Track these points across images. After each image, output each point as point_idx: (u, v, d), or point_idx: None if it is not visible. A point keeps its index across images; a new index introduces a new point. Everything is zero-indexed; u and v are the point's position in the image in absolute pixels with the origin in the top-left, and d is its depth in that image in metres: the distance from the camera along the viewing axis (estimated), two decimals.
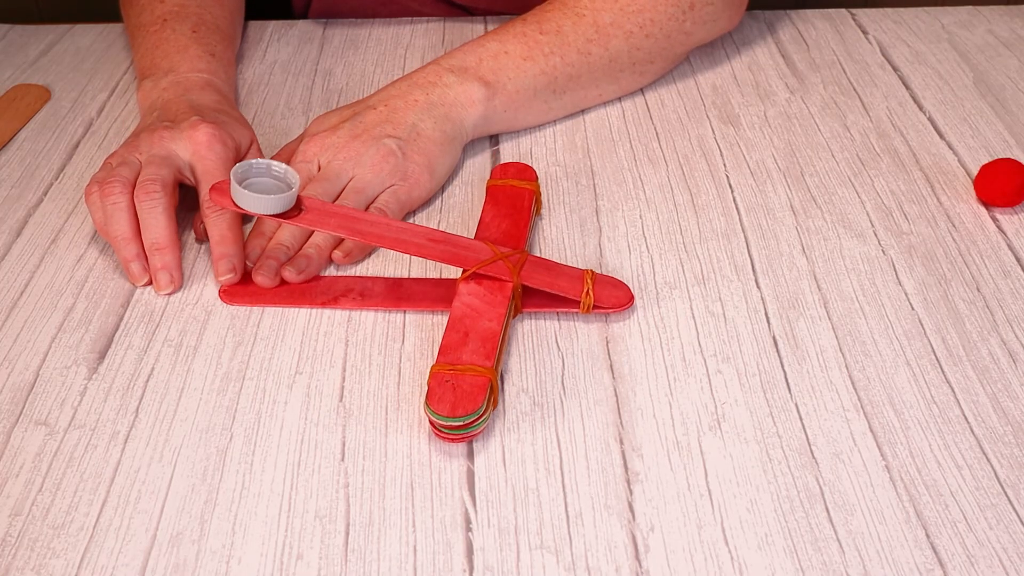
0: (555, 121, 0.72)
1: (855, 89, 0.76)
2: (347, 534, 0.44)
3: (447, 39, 0.84)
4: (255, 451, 0.48)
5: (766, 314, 0.55)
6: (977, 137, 0.70)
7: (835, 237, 0.60)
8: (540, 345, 0.53)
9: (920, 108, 0.73)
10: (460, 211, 0.64)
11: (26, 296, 0.58)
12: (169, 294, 0.57)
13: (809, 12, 0.87)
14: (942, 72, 0.78)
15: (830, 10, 0.87)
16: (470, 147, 0.70)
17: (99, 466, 0.47)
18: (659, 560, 0.43)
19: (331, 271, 0.59)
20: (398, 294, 0.57)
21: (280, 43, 0.85)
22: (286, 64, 0.81)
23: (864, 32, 0.84)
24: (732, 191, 0.65)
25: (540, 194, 0.63)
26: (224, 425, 0.49)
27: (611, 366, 0.52)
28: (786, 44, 0.82)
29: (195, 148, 0.61)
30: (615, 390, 0.51)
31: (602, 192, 0.65)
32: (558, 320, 0.55)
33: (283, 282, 0.58)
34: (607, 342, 0.53)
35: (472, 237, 0.58)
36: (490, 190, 0.62)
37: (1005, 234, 0.61)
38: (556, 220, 0.63)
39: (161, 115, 0.64)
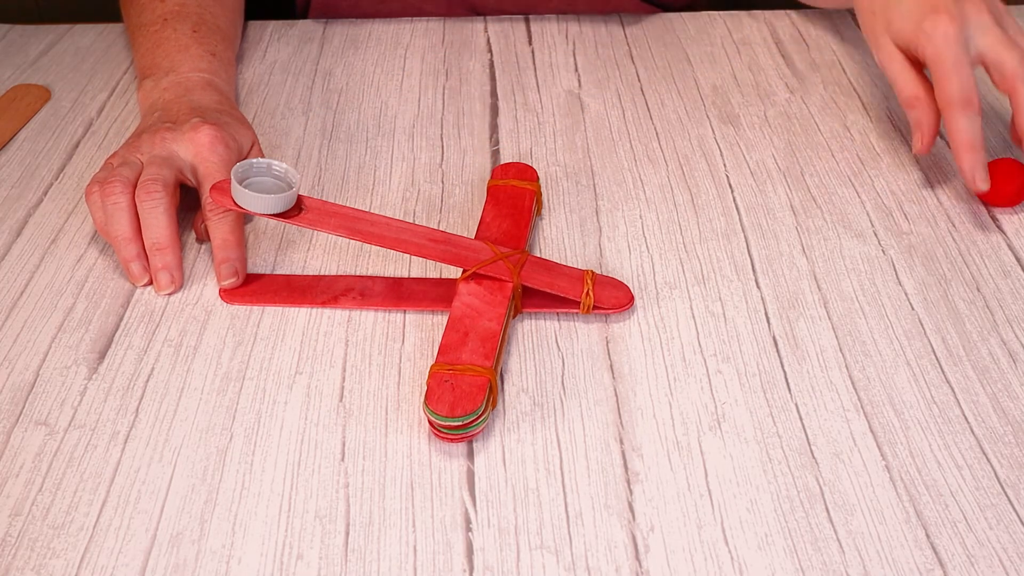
0: (555, 121, 0.72)
1: (855, 89, 0.76)
2: (347, 534, 0.44)
3: (447, 39, 0.84)
4: (255, 451, 0.48)
5: (766, 314, 0.55)
6: None
7: (835, 237, 0.60)
8: (540, 345, 0.53)
9: None
10: (460, 211, 0.64)
11: (26, 296, 0.58)
12: (169, 294, 0.57)
13: (809, 12, 0.87)
14: None
15: (830, 10, 0.87)
16: (470, 147, 0.70)
17: (99, 466, 0.47)
18: (659, 560, 0.43)
19: (332, 270, 0.59)
20: (398, 294, 0.57)
21: (280, 43, 0.85)
22: (286, 64, 0.81)
23: None
24: (732, 191, 0.65)
25: (541, 194, 0.63)
26: (224, 425, 0.49)
27: (611, 366, 0.52)
28: (786, 44, 0.82)
29: (197, 149, 0.60)
30: (615, 390, 0.51)
31: (602, 192, 0.65)
32: (558, 320, 0.55)
33: (280, 276, 0.57)
34: (607, 342, 0.53)
35: (472, 237, 0.58)
36: (491, 190, 0.62)
37: (1005, 234, 0.61)
38: (556, 220, 0.63)
39: (162, 116, 0.64)
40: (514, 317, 0.55)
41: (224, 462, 0.47)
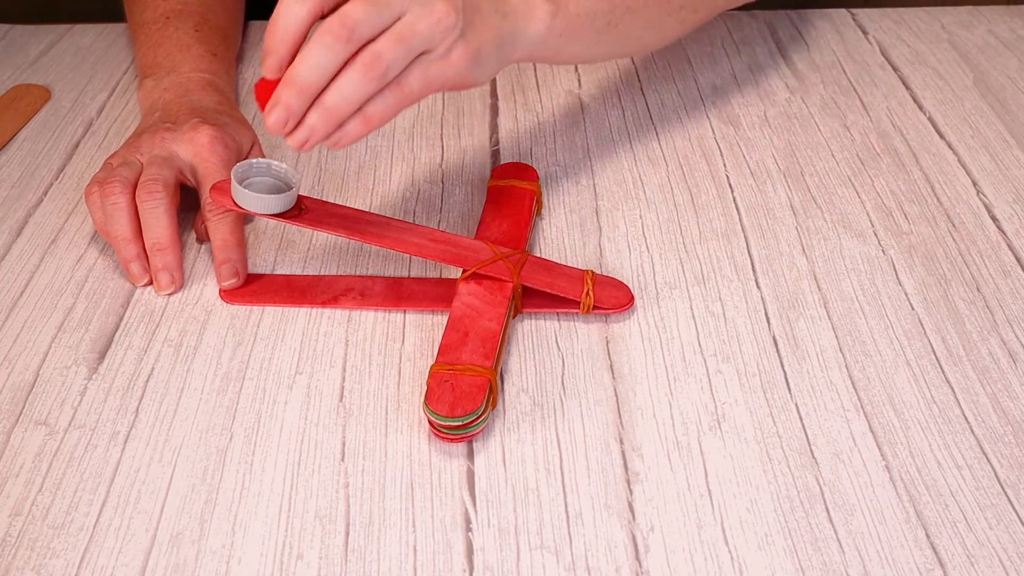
0: (555, 121, 0.72)
1: (855, 89, 0.76)
2: (347, 534, 0.44)
3: None
4: (255, 451, 0.48)
5: (766, 314, 0.55)
6: (977, 137, 0.70)
7: (835, 237, 0.60)
8: (540, 345, 0.53)
9: (920, 108, 0.73)
10: (460, 211, 0.64)
11: (26, 296, 0.58)
12: (170, 294, 0.57)
13: (809, 12, 0.87)
14: (942, 72, 0.78)
15: (830, 10, 0.87)
16: (470, 147, 0.70)
17: (99, 466, 0.47)
18: (659, 560, 0.43)
19: (332, 270, 0.59)
20: (398, 293, 0.57)
21: None
22: None
23: (864, 32, 0.84)
24: (732, 191, 0.65)
25: (541, 194, 0.63)
26: (224, 425, 0.49)
27: (611, 366, 0.52)
28: (786, 44, 0.82)
29: (196, 150, 0.60)
30: (615, 390, 0.51)
31: (602, 192, 0.65)
32: (558, 320, 0.55)
33: (280, 276, 0.57)
34: (607, 342, 0.53)
35: (472, 237, 0.58)
36: (491, 190, 0.62)
37: (1005, 234, 0.61)
38: (556, 220, 0.63)
39: (162, 116, 0.64)
40: (514, 317, 0.55)
41: (224, 462, 0.47)
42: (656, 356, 0.52)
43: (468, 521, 0.45)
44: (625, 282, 0.57)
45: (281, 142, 0.71)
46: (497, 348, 0.50)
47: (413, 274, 0.59)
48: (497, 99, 0.75)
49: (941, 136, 0.70)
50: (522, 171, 0.63)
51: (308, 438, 0.49)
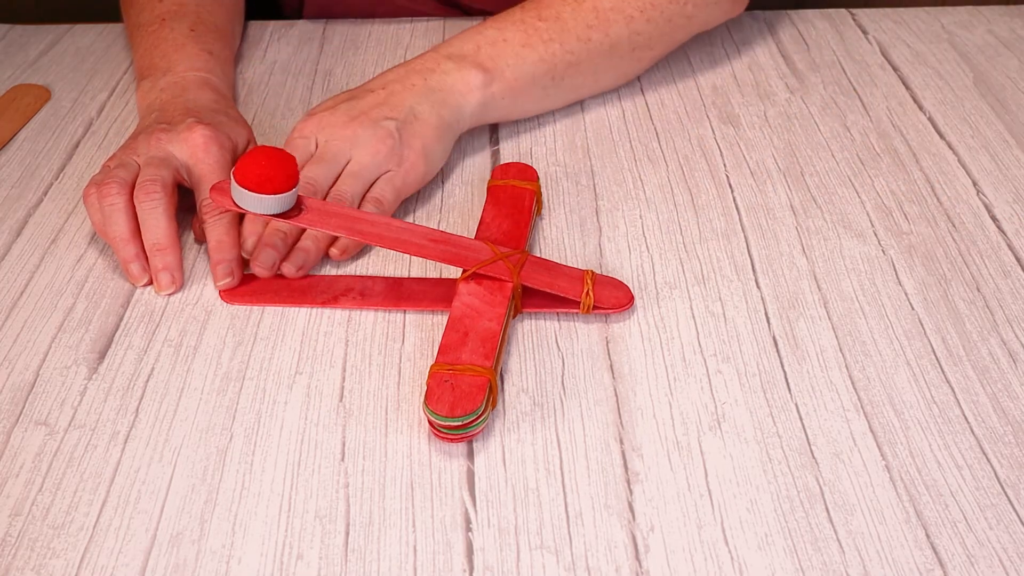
0: (555, 121, 0.72)
1: (855, 89, 0.76)
2: (347, 534, 0.44)
3: (447, 39, 0.84)
4: (255, 451, 0.48)
5: (766, 314, 0.55)
6: (977, 137, 0.70)
7: (835, 237, 0.60)
8: (540, 345, 0.53)
9: (920, 108, 0.73)
10: (460, 211, 0.64)
11: (26, 296, 0.58)
12: (170, 294, 0.57)
13: (809, 12, 0.87)
14: (942, 72, 0.78)
15: (830, 10, 0.87)
16: (470, 147, 0.70)
17: (99, 466, 0.47)
18: (659, 560, 0.43)
19: (328, 269, 0.59)
20: (398, 294, 0.57)
21: (280, 43, 0.85)
22: (286, 64, 0.81)
23: (864, 32, 0.84)
24: (732, 191, 0.65)
25: (541, 194, 0.63)
26: (224, 425, 0.49)
27: (611, 366, 0.52)
28: (786, 44, 0.82)
29: (191, 151, 0.61)
30: (615, 390, 0.51)
31: (602, 192, 0.65)
32: (558, 320, 0.55)
33: (280, 276, 0.58)
34: (607, 342, 0.53)
35: (472, 237, 0.58)
36: (491, 190, 0.62)
37: (1005, 234, 0.61)
38: (556, 220, 0.63)
39: (159, 117, 0.64)
40: (514, 317, 0.55)
41: (224, 462, 0.47)
42: (656, 356, 0.52)
43: (468, 521, 0.45)
44: (625, 282, 0.57)
45: (280, 142, 0.71)
46: (497, 348, 0.50)
47: (413, 274, 0.59)
48: None
49: (941, 136, 0.70)
50: (522, 171, 0.63)
51: (308, 438, 0.49)
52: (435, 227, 0.62)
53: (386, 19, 0.88)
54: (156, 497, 0.46)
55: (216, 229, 0.58)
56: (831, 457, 0.47)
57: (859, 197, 0.64)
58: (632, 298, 0.55)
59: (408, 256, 0.60)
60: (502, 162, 0.67)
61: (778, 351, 0.53)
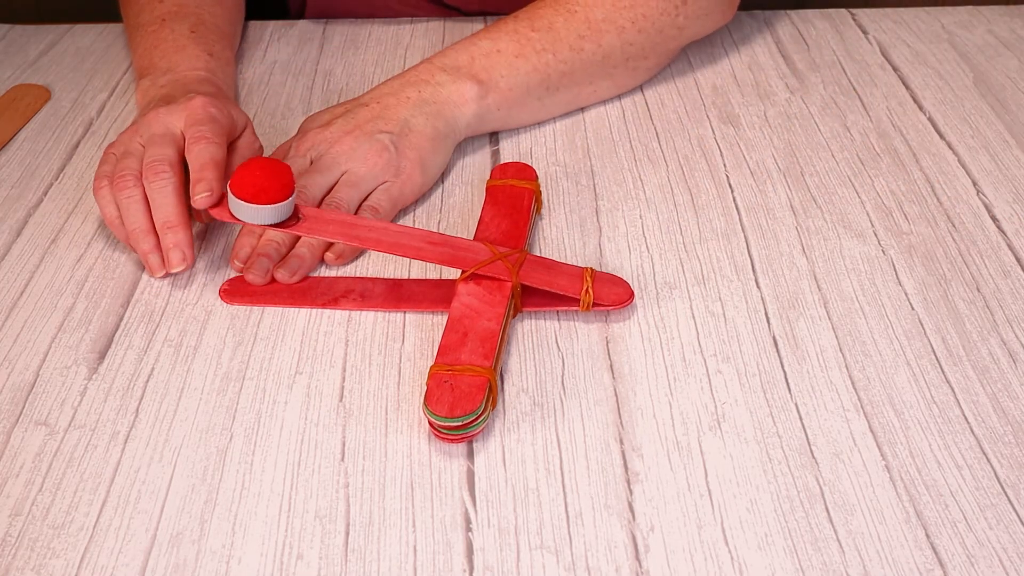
0: (555, 120, 0.72)
1: (855, 89, 0.76)
2: (347, 534, 0.44)
3: (447, 39, 0.84)
4: (255, 451, 0.48)
5: (766, 314, 0.55)
6: (977, 137, 0.70)
7: (835, 237, 0.60)
8: (540, 345, 0.53)
9: (920, 108, 0.73)
10: (460, 211, 0.64)
11: (26, 296, 0.58)
12: (181, 271, 0.57)
13: (809, 12, 0.87)
14: (942, 72, 0.78)
15: (830, 10, 0.87)
16: (470, 147, 0.70)
17: (99, 466, 0.47)
18: (659, 560, 0.43)
19: (324, 271, 0.59)
20: (398, 295, 0.57)
21: (280, 43, 0.85)
22: (286, 64, 0.81)
23: (864, 32, 0.84)
24: (732, 191, 0.65)
25: (540, 193, 0.63)
26: (224, 425, 0.49)
27: (611, 366, 0.52)
28: (786, 44, 0.82)
29: (190, 114, 0.60)
30: (615, 390, 0.51)
31: (602, 192, 0.65)
32: (558, 320, 0.55)
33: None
34: (607, 342, 0.53)
35: (472, 237, 0.58)
36: (490, 190, 0.62)
37: (1005, 234, 0.61)
38: (556, 220, 0.63)
39: (158, 103, 0.64)
40: (514, 317, 0.55)
41: (224, 462, 0.47)
42: (656, 356, 0.52)
43: (468, 521, 0.45)
44: (625, 279, 0.57)
45: (280, 141, 0.71)
46: (496, 348, 0.50)
47: (413, 275, 0.59)
48: None
49: (941, 136, 0.70)
50: (521, 171, 0.63)
51: (308, 438, 0.49)
52: (435, 227, 0.62)
53: (386, 19, 0.88)
54: (156, 497, 0.46)
55: (202, 154, 0.57)
56: (831, 457, 0.47)
57: (859, 197, 0.64)
58: (632, 294, 0.55)
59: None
60: (501, 162, 0.67)
61: (778, 351, 0.53)
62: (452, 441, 0.48)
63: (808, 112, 0.73)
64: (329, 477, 0.47)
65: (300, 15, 0.92)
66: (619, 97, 0.75)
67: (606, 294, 0.54)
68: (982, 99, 0.74)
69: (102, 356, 0.54)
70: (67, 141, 0.72)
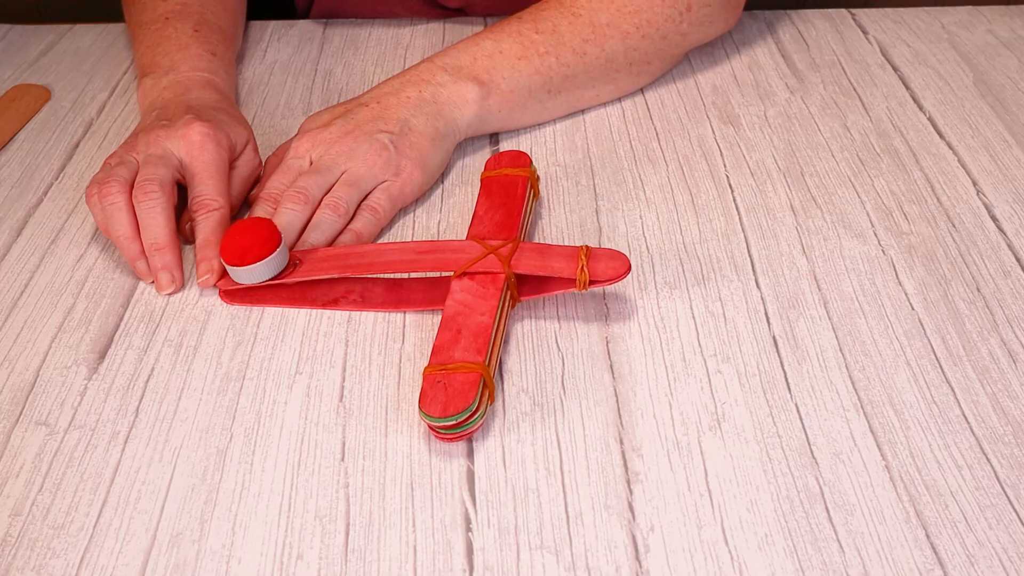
0: (554, 121, 0.73)
1: (855, 89, 0.76)
2: (347, 534, 0.44)
3: (447, 40, 0.84)
4: (255, 451, 0.48)
5: (766, 314, 0.55)
6: (977, 137, 0.70)
7: (835, 237, 0.60)
8: (540, 345, 0.53)
9: (920, 108, 0.73)
10: (460, 211, 0.64)
11: (26, 296, 0.58)
12: (170, 294, 0.57)
13: (809, 12, 0.87)
14: (942, 72, 0.78)
15: (830, 10, 0.87)
16: (470, 147, 0.70)
17: (99, 466, 0.47)
18: (659, 560, 0.43)
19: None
20: (398, 296, 0.57)
21: (280, 43, 0.85)
22: (286, 64, 0.81)
23: (864, 32, 0.84)
24: (732, 191, 0.65)
25: (537, 178, 0.62)
26: (224, 425, 0.49)
27: (611, 366, 0.52)
28: (786, 44, 0.82)
29: (188, 147, 0.61)
30: (615, 390, 0.51)
31: (602, 192, 0.65)
32: (558, 320, 0.55)
33: (278, 277, 0.57)
34: (607, 342, 0.53)
35: (467, 232, 0.58)
36: (484, 182, 0.62)
37: (1005, 234, 0.61)
38: (556, 220, 0.63)
39: (160, 115, 0.64)
40: (512, 307, 0.55)
41: (224, 462, 0.47)
42: (656, 356, 0.52)
43: (468, 521, 0.45)
44: (622, 252, 0.55)
45: (280, 142, 0.71)
46: (489, 342, 0.50)
47: (412, 275, 0.59)
48: None
49: (941, 136, 0.70)
50: (515, 158, 0.63)
51: (308, 438, 0.49)
52: (434, 227, 0.62)
53: (386, 19, 0.88)
54: (156, 497, 0.46)
55: (203, 227, 0.58)
56: (831, 457, 0.47)
57: (859, 197, 0.64)
58: (629, 266, 0.53)
59: None
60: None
61: (778, 351, 0.53)
62: (451, 440, 0.48)
63: (808, 112, 0.73)
64: (329, 477, 0.47)
65: (306, 15, 0.92)
66: (619, 97, 0.75)
67: (602, 270, 0.52)
68: (982, 99, 0.74)
69: (102, 356, 0.54)
70: (67, 141, 0.72)
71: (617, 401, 0.50)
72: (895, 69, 0.78)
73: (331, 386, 0.51)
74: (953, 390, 0.50)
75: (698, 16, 0.72)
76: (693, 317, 0.55)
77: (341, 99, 0.76)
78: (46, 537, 0.44)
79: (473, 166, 0.68)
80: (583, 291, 0.54)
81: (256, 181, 0.66)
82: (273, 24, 0.88)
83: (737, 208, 0.63)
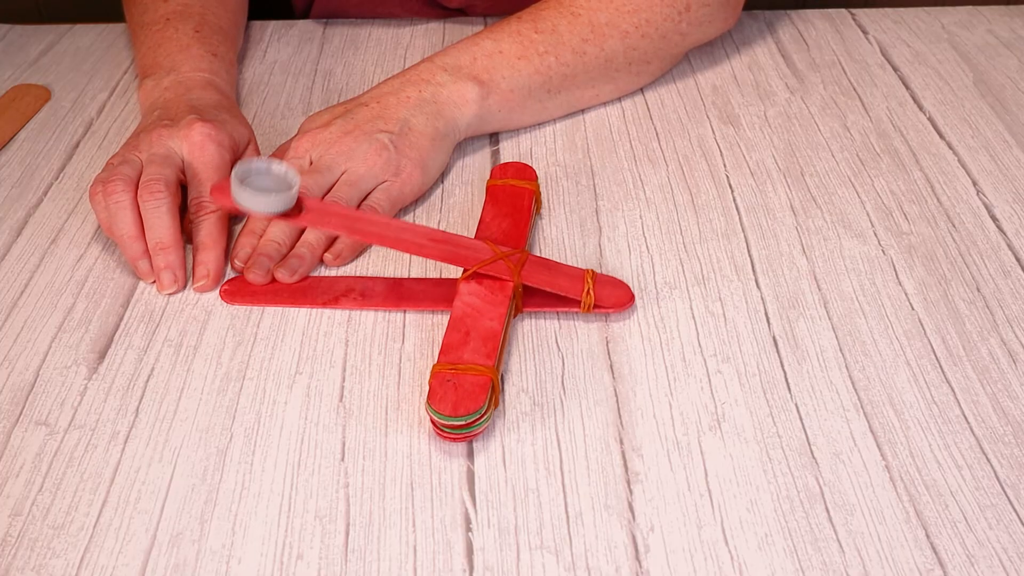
0: (554, 121, 0.72)
1: (855, 89, 0.76)
2: (347, 534, 0.44)
3: (447, 40, 0.84)
4: (255, 451, 0.48)
5: (766, 314, 0.55)
6: (977, 137, 0.70)
7: (835, 237, 0.60)
8: (540, 345, 0.53)
9: (920, 108, 0.73)
10: (460, 211, 0.64)
11: (26, 296, 0.58)
12: (172, 293, 0.57)
13: (809, 12, 0.87)
14: (942, 72, 0.78)
15: (830, 10, 0.87)
16: (470, 147, 0.70)
17: (99, 466, 0.47)
18: (659, 560, 0.43)
19: (323, 272, 0.59)
20: (399, 294, 0.57)
21: (280, 43, 0.85)
22: (286, 64, 0.81)
23: (864, 32, 0.84)
24: (732, 191, 0.65)
25: (540, 193, 0.63)
26: (224, 425, 0.49)
27: (611, 366, 0.52)
28: (786, 44, 0.82)
29: (190, 147, 0.61)
30: (615, 390, 0.51)
31: (602, 192, 0.65)
32: (558, 320, 0.55)
33: (276, 281, 0.58)
34: (607, 342, 0.53)
35: (472, 237, 0.58)
36: (490, 190, 0.62)
37: (1005, 234, 0.61)
38: (556, 220, 0.63)
39: (161, 114, 0.64)
40: (515, 317, 0.55)
41: (224, 462, 0.47)
42: (656, 356, 0.52)
43: (468, 521, 0.45)
44: (625, 282, 0.57)
45: (280, 141, 0.71)
46: (499, 347, 0.50)
47: (413, 274, 0.59)
48: None
49: (941, 136, 0.70)
50: (521, 170, 0.63)
51: (308, 438, 0.49)
52: (434, 226, 0.62)
53: (386, 20, 0.88)
54: (156, 497, 0.46)
55: (200, 230, 0.59)
56: (831, 457, 0.47)
57: (859, 197, 0.64)
58: (632, 297, 0.55)
59: (408, 256, 0.60)
60: (502, 162, 0.67)
61: (778, 351, 0.53)
62: (454, 440, 0.48)
63: (808, 112, 0.73)
64: (329, 477, 0.47)
65: (306, 15, 0.92)
66: (619, 97, 0.75)
67: (607, 296, 0.54)
68: (982, 99, 0.74)
69: (102, 356, 0.54)
70: (67, 141, 0.72)
71: (617, 401, 0.50)
72: (895, 69, 0.78)
73: (331, 386, 0.51)
74: (953, 390, 0.50)
75: (697, 16, 0.72)
76: (693, 317, 0.55)
77: (341, 99, 0.76)
78: (46, 537, 0.44)
79: (473, 166, 0.68)
80: (585, 313, 0.54)
81: None
82: (273, 24, 0.88)
83: (737, 208, 0.63)
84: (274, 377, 0.52)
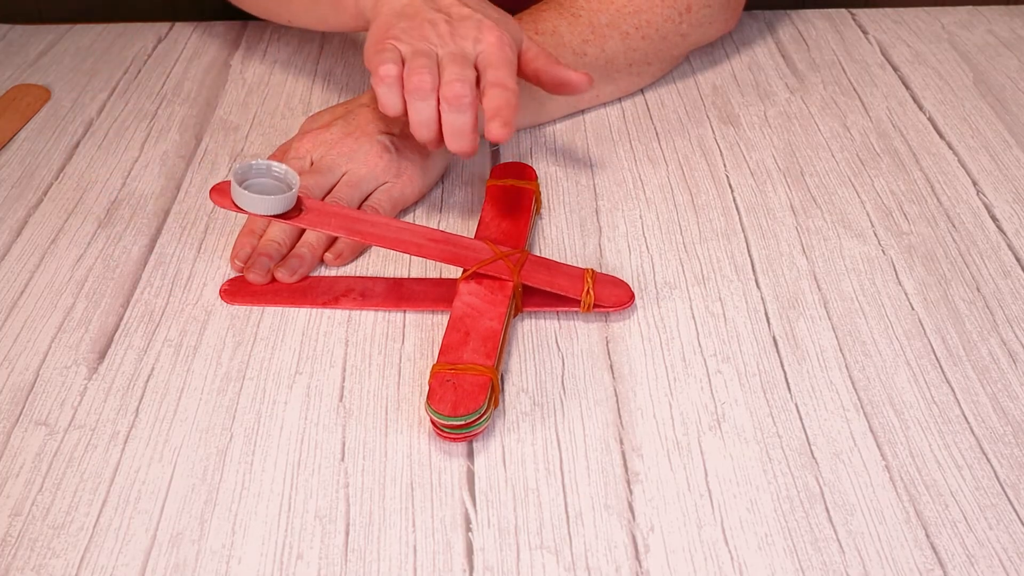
0: (555, 121, 0.73)
1: (855, 89, 0.76)
2: (347, 534, 0.44)
3: None
4: (255, 451, 0.48)
5: (766, 314, 0.55)
6: (977, 137, 0.70)
7: (835, 237, 0.60)
8: (540, 345, 0.53)
9: (920, 108, 0.73)
10: (460, 211, 0.64)
11: (26, 296, 0.58)
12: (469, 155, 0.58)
13: (809, 12, 0.87)
14: (942, 72, 0.78)
15: (830, 10, 0.87)
16: None
17: (99, 466, 0.47)
18: (659, 560, 0.43)
19: (324, 271, 0.59)
20: (399, 294, 0.57)
21: (280, 43, 0.85)
22: (286, 64, 0.81)
23: (864, 32, 0.84)
24: (732, 191, 0.65)
25: (540, 194, 0.63)
26: (224, 425, 0.49)
27: (611, 366, 0.52)
28: (786, 44, 0.82)
29: (487, 51, 0.58)
30: (615, 390, 0.51)
31: (602, 192, 0.65)
32: (558, 320, 0.55)
33: (276, 281, 0.58)
34: (607, 342, 0.53)
35: (472, 237, 0.58)
36: (490, 190, 0.62)
37: (1005, 234, 0.61)
38: (556, 220, 0.63)
39: (428, 3, 0.60)
40: (514, 316, 0.55)
41: (224, 462, 0.47)
42: (656, 356, 0.52)
43: (468, 521, 0.45)
44: (625, 281, 0.57)
45: (280, 141, 0.71)
46: (498, 347, 0.50)
47: (413, 274, 0.59)
48: None
49: (941, 136, 0.70)
50: (521, 170, 0.63)
51: (308, 438, 0.49)
52: (435, 227, 0.62)
53: None
54: (156, 497, 0.46)
55: (499, 97, 0.56)
56: (831, 457, 0.47)
57: (859, 197, 0.64)
58: (632, 296, 0.55)
59: (408, 256, 0.60)
60: (501, 162, 0.67)
61: (778, 351, 0.53)
62: (454, 440, 0.48)
63: (808, 112, 0.73)
64: (329, 477, 0.47)
65: None
66: (619, 97, 0.75)
67: (607, 296, 0.54)
68: (982, 99, 0.74)
69: (102, 356, 0.54)
70: (67, 141, 0.72)
71: (617, 401, 0.50)
72: (895, 69, 0.78)
73: (331, 386, 0.51)
74: (953, 390, 0.50)
75: (698, 17, 0.72)
76: (693, 317, 0.55)
77: (341, 99, 0.76)
78: (46, 537, 0.44)
79: (473, 167, 0.68)
80: (585, 313, 0.54)
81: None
82: (273, 24, 0.88)
83: (737, 208, 0.63)
84: (274, 377, 0.52)
